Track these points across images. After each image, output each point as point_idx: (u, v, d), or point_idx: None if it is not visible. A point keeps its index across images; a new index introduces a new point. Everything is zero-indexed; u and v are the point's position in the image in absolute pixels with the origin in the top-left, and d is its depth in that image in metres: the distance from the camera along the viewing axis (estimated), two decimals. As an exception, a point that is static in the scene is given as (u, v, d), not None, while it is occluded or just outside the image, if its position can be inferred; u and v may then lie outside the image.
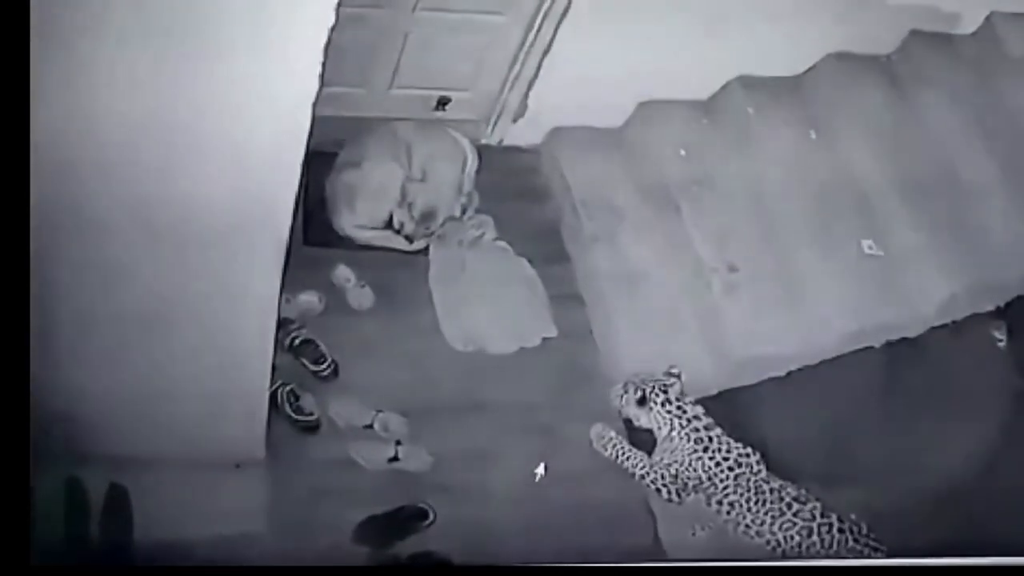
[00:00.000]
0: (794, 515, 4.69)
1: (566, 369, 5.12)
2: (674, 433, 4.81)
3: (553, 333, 5.18)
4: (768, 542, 4.70)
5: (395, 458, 4.58)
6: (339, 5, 2.55)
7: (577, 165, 5.63)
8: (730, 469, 4.76)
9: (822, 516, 4.69)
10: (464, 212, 5.44)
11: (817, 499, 4.73)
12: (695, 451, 4.78)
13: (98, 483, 3.91)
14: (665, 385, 4.89)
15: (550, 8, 5.07)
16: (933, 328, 5.25)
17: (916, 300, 5.19)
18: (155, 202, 3.01)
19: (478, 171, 5.46)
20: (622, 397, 4.93)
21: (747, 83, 5.67)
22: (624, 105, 5.71)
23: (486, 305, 5.17)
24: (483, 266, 5.29)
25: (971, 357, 5.47)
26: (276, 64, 2.66)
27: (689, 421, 4.81)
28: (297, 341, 4.76)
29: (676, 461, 4.78)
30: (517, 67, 5.38)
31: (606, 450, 4.86)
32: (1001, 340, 5.66)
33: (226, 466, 4.28)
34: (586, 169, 5.62)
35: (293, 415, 4.56)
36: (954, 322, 5.30)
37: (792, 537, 4.67)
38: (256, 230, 3.20)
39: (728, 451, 4.79)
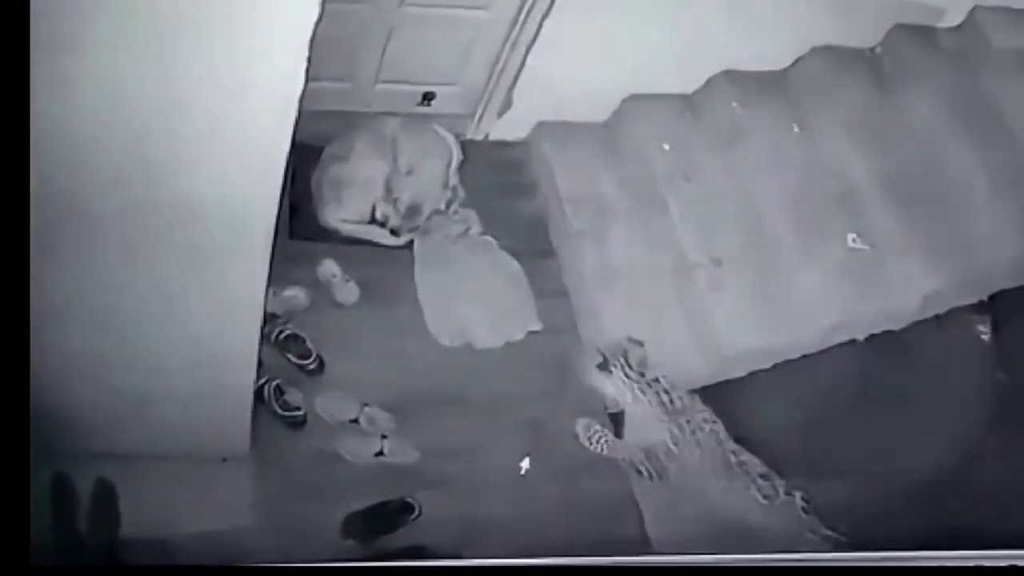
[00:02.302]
0: (758, 490, 4.72)
1: (551, 363, 5.11)
2: (637, 397, 4.84)
3: (538, 327, 5.20)
4: (730, 512, 4.73)
5: (381, 452, 4.58)
6: (324, 0, 2.55)
7: (562, 159, 5.65)
8: (692, 433, 4.80)
9: (787, 494, 4.71)
10: (449, 207, 5.44)
11: (783, 476, 4.76)
12: (659, 416, 4.80)
13: (85, 478, 3.91)
14: (626, 351, 4.92)
15: (535, 3, 5.07)
16: (917, 322, 5.28)
17: (900, 293, 5.21)
18: (141, 199, 3.00)
19: (462, 165, 5.46)
20: (584, 364, 4.96)
21: (731, 78, 5.68)
22: (609, 100, 5.73)
23: (471, 300, 5.18)
24: (468, 261, 5.30)
25: (955, 350, 5.50)
26: (261, 59, 2.66)
27: (650, 385, 4.85)
28: (283, 336, 4.76)
29: (644, 430, 4.81)
30: (502, 62, 5.39)
31: (591, 443, 4.88)
32: (985, 333, 5.69)
33: (213, 461, 4.28)
34: (571, 163, 5.64)
35: (279, 410, 4.56)
36: (938, 316, 5.33)
37: (754, 512, 4.70)
38: (242, 225, 3.19)
39: (691, 415, 4.82)
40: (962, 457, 5.03)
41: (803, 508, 4.70)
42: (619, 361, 4.92)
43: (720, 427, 4.86)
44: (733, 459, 4.81)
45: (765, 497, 4.73)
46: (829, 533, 4.69)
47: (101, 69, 2.61)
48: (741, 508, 4.71)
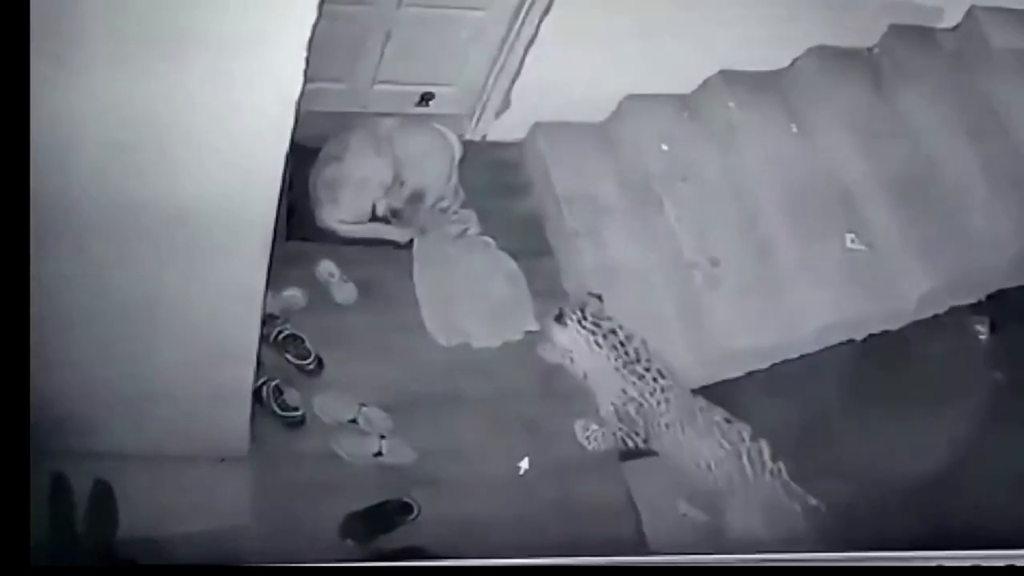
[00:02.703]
0: (722, 435, 4.73)
1: (550, 363, 5.12)
2: (593, 349, 4.89)
3: (536, 327, 5.19)
4: (699, 467, 4.77)
5: (379, 452, 4.59)
6: (322, 1, 2.55)
7: (560, 160, 5.64)
8: (655, 380, 4.83)
9: (752, 440, 4.73)
10: (451, 204, 5.44)
11: (747, 424, 4.80)
12: (618, 367, 4.86)
13: (83, 479, 3.91)
14: (583, 304, 4.98)
15: (533, 3, 5.07)
16: (915, 321, 5.28)
17: (898, 293, 5.21)
18: (140, 199, 3.01)
19: (460, 164, 5.46)
20: (544, 325, 5.05)
21: (729, 78, 5.68)
22: (607, 100, 5.73)
23: (470, 300, 5.18)
24: (467, 261, 5.30)
25: (952, 350, 5.51)
26: (259, 60, 2.66)
27: (606, 336, 4.90)
28: (281, 336, 4.76)
29: (607, 386, 4.87)
30: (500, 62, 5.39)
31: (589, 443, 4.89)
32: (983, 333, 5.69)
33: (211, 461, 4.28)
34: (569, 164, 5.64)
35: (278, 410, 4.56)
36: (936, 315, 5.33)
37: (721, 461, 4.74)
38: (241, 226, 3.20)
39: (650, 361, 4.86)
40: (959, 457, 5.04)
41: (771, 457, 4.71)
42: (576, 313, 4.95)
43: (676, 377, 4.90)
44: (695, 406, 4.83)
45: (730, 443, 4.73)
46: (800, 492, 4.70)
47: (99, 72, 2.61)
48: (709, 461, 4.74)
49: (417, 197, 5.30)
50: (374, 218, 5.30)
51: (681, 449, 4.80)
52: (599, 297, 5.06)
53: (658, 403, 4.82)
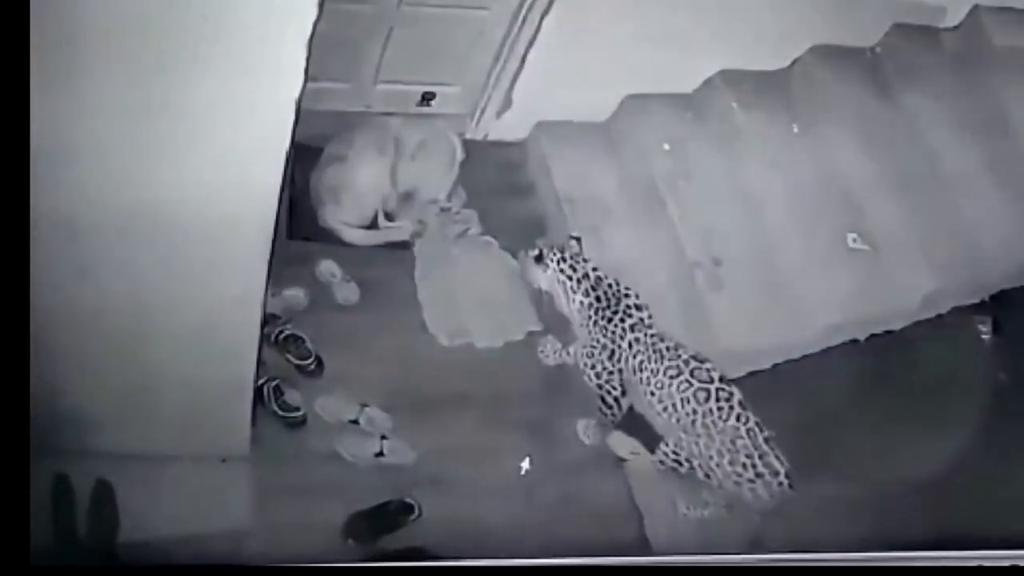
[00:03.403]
0: (691, 373, 4.72)
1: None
2: (570, 291, 4.95)
3: (538, 327, 5.19)
4: (666, 408, 4.76)
5: (380, 453, 4.58)
6: (323, 0, 2.55)
7: (562, 159, 5.64)
8: (622, 321, 4.85)
9: (720, 381, 4.73)
10: (449, 208, 5.44)
11: (715, 367, 4.80)
12: (590, 314, 4.92)
13: (84, 479, 3.92)
14: (563, 246, 5.03)
15: (534, 2, 5.07)
16: (918, 321, 5.28)
17: (901, 293, 5.21)
18: (141, 198, 3.01)
19: (462, 164, 5.45)
20: (523, 260, 5.11)
21: (730, 77, 5.68)
22: (609, 99, 5.73)
23: (471, 299, 5.18)
24: (468, 261, 5.30)
25: (956, 350, 5.51)
26: (260, 59, 2.66)
27: (580, 282, 4.94)
28: (282, 336, 4.75)
29: (582, 334, 4.92)
30: (502, 61, 5.38)
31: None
32: (986, 333, 5.69)
33: (212, 461, 4.28)
34: (571, 163, 5.63)
35: (279, 410, 4.56)
36: (939, 315, 5.33)
37: (688, 400, 4.71)
38: (242, 225, 3.20)
39: (618, 303, 4.89)
40: (962, 457, 5.04)
41: (740, 402, 4.71)
42: (555, 254, 4.98)
43: (645, 314, 4.90)
44: (661, 344, 4.83)
45: (699, 382, 4.71)
46: (768, 449, 4.70)
47: (98, 72, 2.61)
48: (676, 400, 4.75)
49: (409, 196, 5.29)
50: (374, 224, 5.29)
51: (649, 392, 4.80)
52: (578, 240, 5.11)
53: (629, 345, 4.83)
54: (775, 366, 5.13)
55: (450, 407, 4.81)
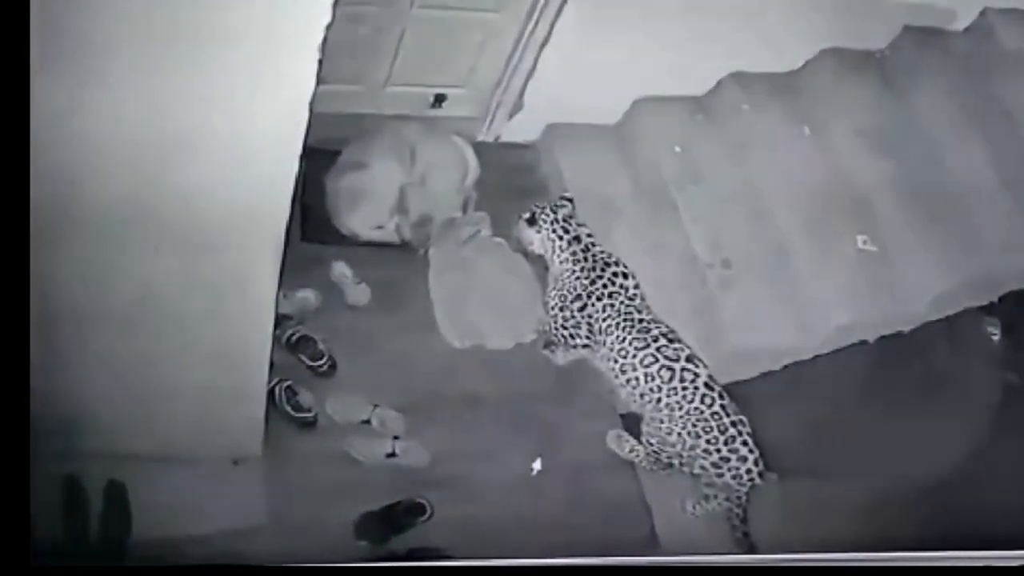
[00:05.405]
0: (657, 349, 4.73)
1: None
2: (558, 250, 4.99)
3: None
4: (629, 380, 4.77)
5: (392, 453, 4.59)
6: (336, 2, 2.56)
7: (573, 161, 5.65)
8: (604, 286, 4.89)
9: (687, 360, 4.73)
10: (464, 211, 5.45)
11: (688, 346, 4.80)
12: (574, 268, 4.95)
13: (96, 480, 3.93)
14: (556, 207, 5.06)
15: (546, 5, 5.08)
16: (927, 323, 5.27)
17: (910, 295, 5.20)
18: (153, 200, 3.02)
19: (477, 182, 5.47)
20: (517, 224, 5.14)
21: (741, 79, 5.69)
22: (620, 102, 5.73)
23: (483, 301, 5.18)
24: (480, 262, 5.29)
25: (965, 352, 5.50)
26: (272, 61, 2.67)
27: (570, 242, 4.98)
28: (295, 337, 4.76)
29: (564, 289, 4.97)
30: (513, 64, 5.39)
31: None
32: (995, 335, 5.69)
33: (224, 462, 4.29)
34: (582, 165, 5.64)
35: (291, 411, 4.57)
36: (948, 317, 5.32)
37: (652, 376, 4.71)
38: (254, 227, 3.20)
39: (604, 268, 4.92)
40: (972, 458, 5.04)
41: (706, 384, 4.71)
42: (548, 216, 5.00)
43: (630, 283, 4.94)
44: (636, 315, 4.85)
45: (665, 358, 4.71)
46: (737, 432, 4.71)
47: (109, 72, 2.62)
48: (640, 374, 4.76)
49: (424, 221, 5.28)
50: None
51: (612, 359, 4.82)
52: (571, 200, 5.13)
53: (603, 308, 4.86)
54: (785, 367, 5.13)
55: (461, 408, 4.83)
